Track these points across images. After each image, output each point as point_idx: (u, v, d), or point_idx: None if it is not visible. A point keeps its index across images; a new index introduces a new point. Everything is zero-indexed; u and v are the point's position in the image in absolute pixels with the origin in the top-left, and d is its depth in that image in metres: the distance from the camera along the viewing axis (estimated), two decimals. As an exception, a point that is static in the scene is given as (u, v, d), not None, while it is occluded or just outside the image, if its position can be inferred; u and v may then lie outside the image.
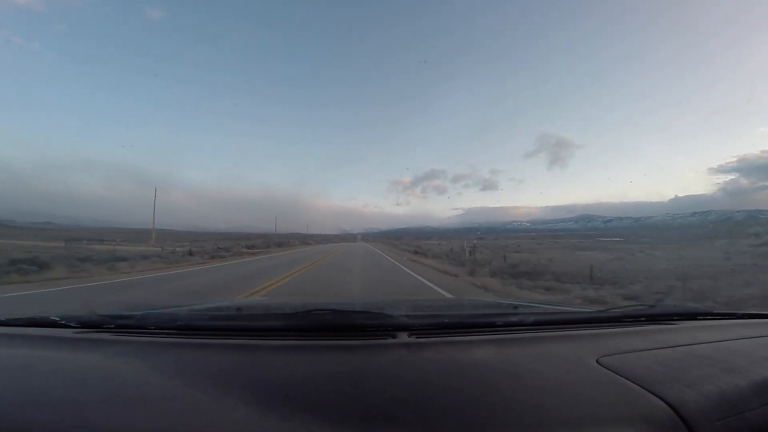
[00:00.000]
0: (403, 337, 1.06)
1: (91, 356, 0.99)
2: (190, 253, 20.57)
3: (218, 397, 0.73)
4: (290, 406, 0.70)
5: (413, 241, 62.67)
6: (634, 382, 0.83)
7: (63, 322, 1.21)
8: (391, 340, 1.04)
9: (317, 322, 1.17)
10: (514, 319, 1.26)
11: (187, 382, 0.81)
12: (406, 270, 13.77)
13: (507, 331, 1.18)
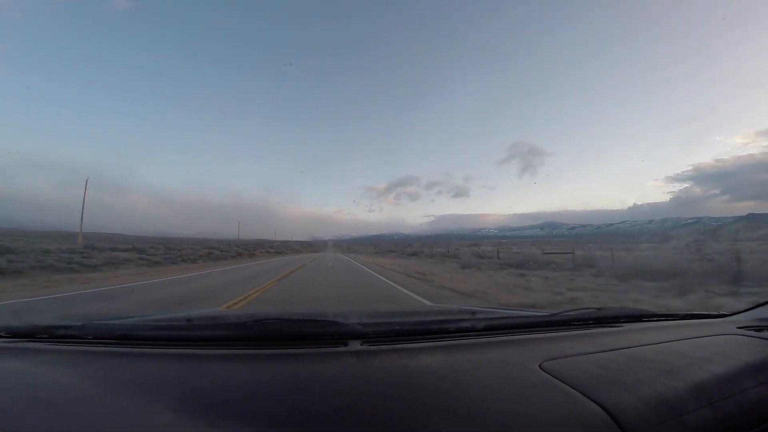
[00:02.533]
0: (355, 345, 1.06)
1: (18, 364, 1.00)
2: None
3: (146, 404, 0.75)
4: (221, 412, 0.72)
5: (392, 250, 57.04)
6: (573, 388, 0.82)
7: None
8: (341, 348, 1.05)
9: (264, 331, 1.17)
10: (466, 324, 1.25)
11: (116, 389, 0.83)
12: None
13: (458, 337, 1.18)
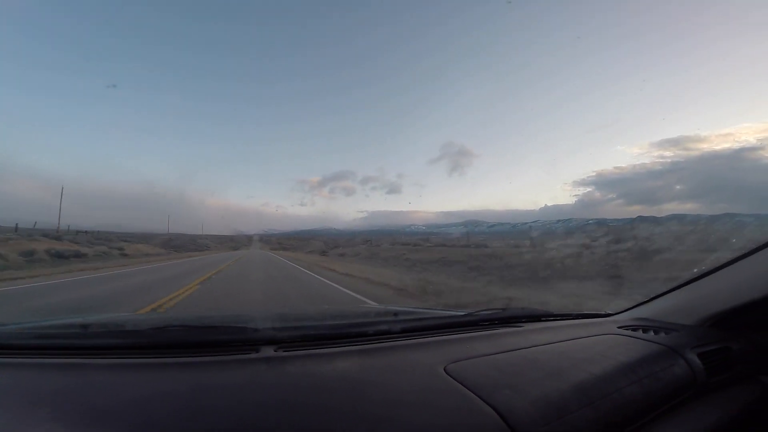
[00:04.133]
0: (268, 351, 1.00)
1: None
2: None
3: (17, 416, 0.71)
4: (107, 425, 0.68)
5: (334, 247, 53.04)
6: (471, 390, 0.83)
7: None
8: (252, 355, 0.98)
9: (165, 339, 1.08)
10: (383, 327, 1.23)
11: None
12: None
13: (375, 340, 1.15)
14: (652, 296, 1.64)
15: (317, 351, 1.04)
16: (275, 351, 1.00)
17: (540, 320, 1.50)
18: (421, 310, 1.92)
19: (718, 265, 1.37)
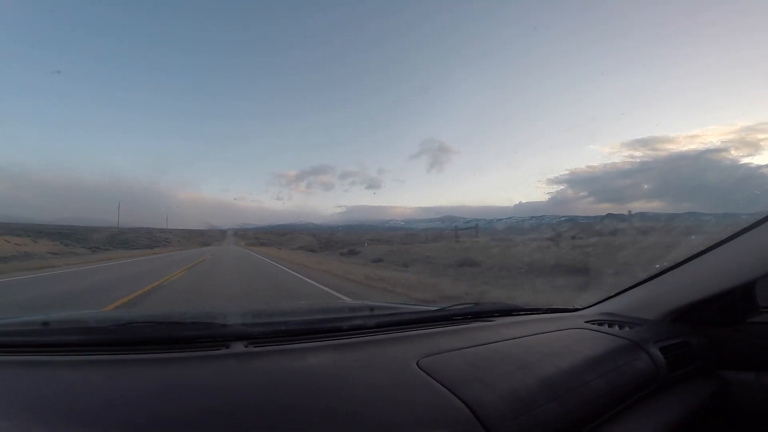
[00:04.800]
0: (238, 347, 0.97)
1: None
2: None
3: None
4: (70, 422, 0.66)
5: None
6: (442, 384, 0.83)
7: None
8: (221, 351, 0.95)
9: (130, 335, 1.05)
10: (358, 322, 1.22)
11: None
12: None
13: (348, 335, 1.13)
14: (617, 291, 1.66)
15: (289, 347, 1.01)
16: (245, 347, 0.98)
17: (511, 314, 1.53)
18: (396, 305, 1.95)
19: (679, 261, 1.42)
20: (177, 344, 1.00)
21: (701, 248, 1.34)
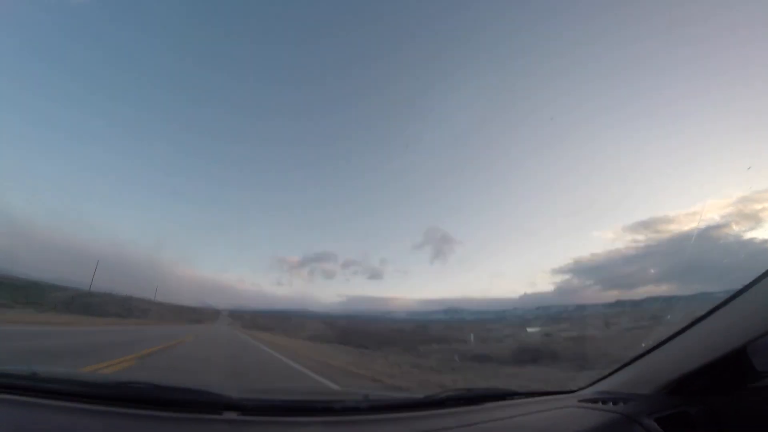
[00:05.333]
0: (231, 416, 1.02)
1: None
2: None
3: None
4: None
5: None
6: None
7: None
8: (214, 416, 1.01)
9: (126, 394, 1.08)
10: (350, 404, 1.26)
11: None
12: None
13: (342, 415, 1.17)
14: (612, 370, 1.70)
15: (282, 419, 1.07)
16: (238, 416, 1.03)
17: (504, 399, 1.56)
18: (393, 394, 1.97)
19: (670, 335, 1.46)
20: (174, 406, 1.05)
21: (691, 320, 1.39)
